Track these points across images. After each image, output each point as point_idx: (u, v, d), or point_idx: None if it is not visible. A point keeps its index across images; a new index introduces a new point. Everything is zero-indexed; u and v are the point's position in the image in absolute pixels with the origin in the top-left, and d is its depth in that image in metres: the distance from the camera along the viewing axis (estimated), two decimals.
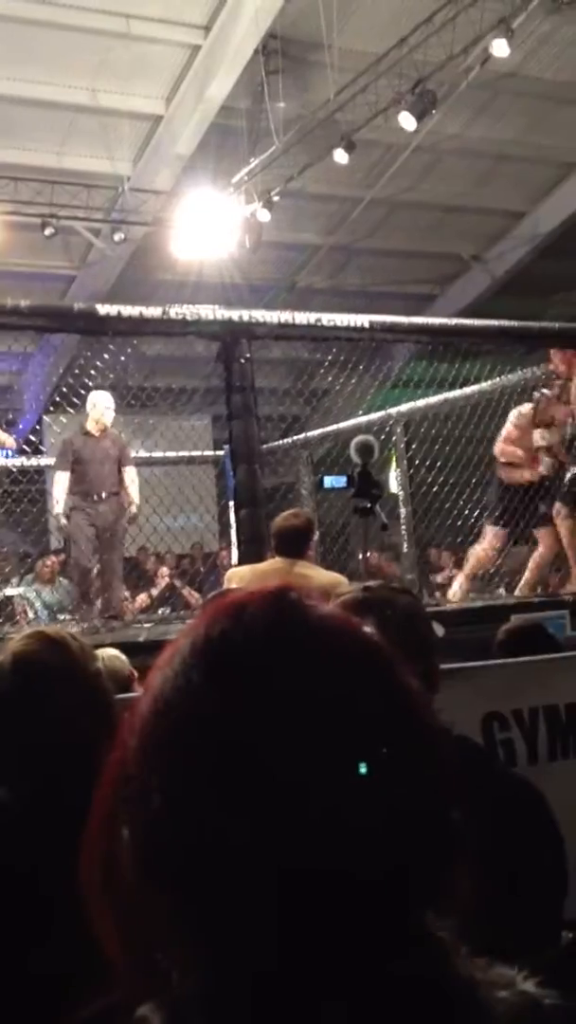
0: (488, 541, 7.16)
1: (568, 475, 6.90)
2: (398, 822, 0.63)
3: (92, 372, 7.14)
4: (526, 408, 7.10)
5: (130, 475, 7.22)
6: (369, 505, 4.40)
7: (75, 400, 7.36)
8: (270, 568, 4.62)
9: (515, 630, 3.83)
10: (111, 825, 0.66)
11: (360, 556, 5.65)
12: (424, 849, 0.64)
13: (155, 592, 9.29)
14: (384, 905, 0.62)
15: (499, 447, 7.08)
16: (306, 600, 0.70)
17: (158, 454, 8.48)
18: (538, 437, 6.96)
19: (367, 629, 0.71)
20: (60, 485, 7.09)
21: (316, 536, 8.74)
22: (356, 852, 0.61)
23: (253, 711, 0.62)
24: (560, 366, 7.01)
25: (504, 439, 7.07)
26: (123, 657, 3.48)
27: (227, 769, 0.61)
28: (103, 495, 7.07)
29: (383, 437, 7.90)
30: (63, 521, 7.11)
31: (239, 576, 4.59)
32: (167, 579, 9.33)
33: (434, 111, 10.70)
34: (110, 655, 3.60)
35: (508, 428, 7.08)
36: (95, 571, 7.25)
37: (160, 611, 8.91)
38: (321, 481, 4.56)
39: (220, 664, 0.66)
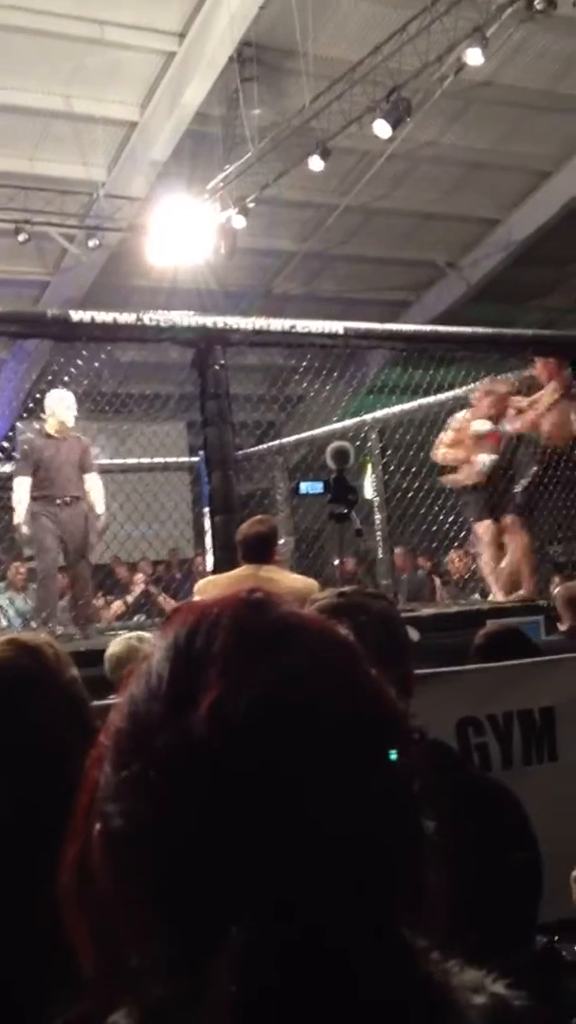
0: (489, 538, 7.10)
1: (518, 486, 6.93)
2: (370, 825, 0.63)
3: (66, 378, 7.11)
4: (461, 415, 7.13)
5: (92, 481, 6.92)
6: (346, 511, 4.41)
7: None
8: (239, 575, 4.63)
9: (493, 634, 3.85)
10: (89, 830, 0.66)
11: (336, 561, 5.67)
12: (397, 853, 0.64)
13: (130, 599, 9.26)
14: (357, 909, 0.61)
15: (439, 453, 7.12)
16: (273, 600, 0.71)
17: (132, 460, 8.46)
18: (483, 458, 6.96)
19: (335, 626, 0.71)
20: (21, 490, 6.77)
21: (291, 543, 8.78)
22: (329, 855, 0.61)
23: (220, 713, 0.62)
24: (542, 373, 7.03)
25: (444, 443, 7.10)
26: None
27: (197, 773, 0.61)
28: (67, 499, 6.80)
29: (358, 443, 7.92)
30: (24, 530, 6.78)
31: (209, 586, 4.59)
32: (142, 586, 9.30)
33: (409, 119, 10.75)
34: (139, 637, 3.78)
35: (448, 434, 7.11)
36: (60, 578, 7.07)
37: (135, 618, 8.89)
38: (297, 487, 4.57)
39: (187, 666, 0.66)
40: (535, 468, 6.96)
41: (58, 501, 6.76)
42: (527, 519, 6.94)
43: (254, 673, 0.63)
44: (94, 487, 6.92)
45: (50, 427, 6.85)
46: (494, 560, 7.05)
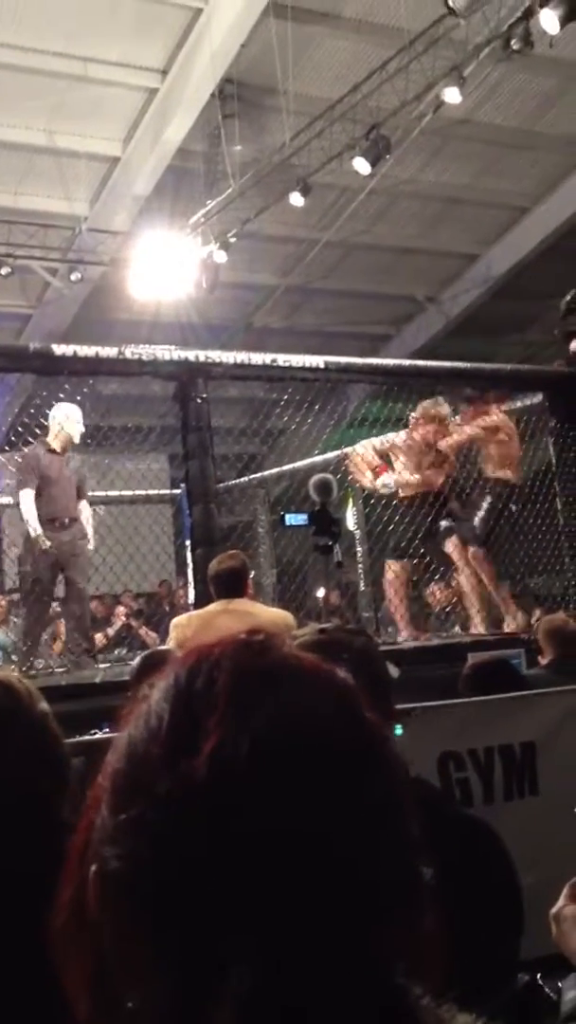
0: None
1: (478, 516, 6.94)
2: (374, 869, 0.62)
3: (47, 411, 7.11)
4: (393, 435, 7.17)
5: (85, 507, 6.69)
6: (330, 542, 4.43)
7: (30, 440, 7.32)
8: (213, 611, 4.63)
9: (482, 666, 3.84)
10: (84, 871, 0.65)
11: (320, 594, 5.67)
12: (399, 899, 0.64)
13: (111, 632, 9.21)
14: (359, 955, 0.61)
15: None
16: (274, 642, 0.71)
17: (114, 492, 8.45)
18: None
19: (333, 668, 0.71)
20: (29, 502, 6.31)
21: (273, 575, 8.77)
22: (332, 902, 0.61)
23: (222, 758, 0.61)
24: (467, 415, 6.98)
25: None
26: None
27: (198, 817, 0.61)
28: (66, 521, 6.49)
29: (339, 476, 7.95)
30: (45, 544, 6.26)
31: (182, 624, 4.58)
32: (123, 619, 9.26)
33: (388, 156, 10.88)
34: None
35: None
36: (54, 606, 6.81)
37: (116, 651, 8.84)
38: (283, 519, 4.58)
39: (187, 708, 0.65)
40: (489, 500, 6.98)
41: (58, 523, 6.44)
42: (489, 550, 6.97)
43: (255, 717, 0.63)
44: (87, 514, 6.71)
45: (56, 442, 6.52)
46: (473, 582, 7.09)
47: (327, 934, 0.60)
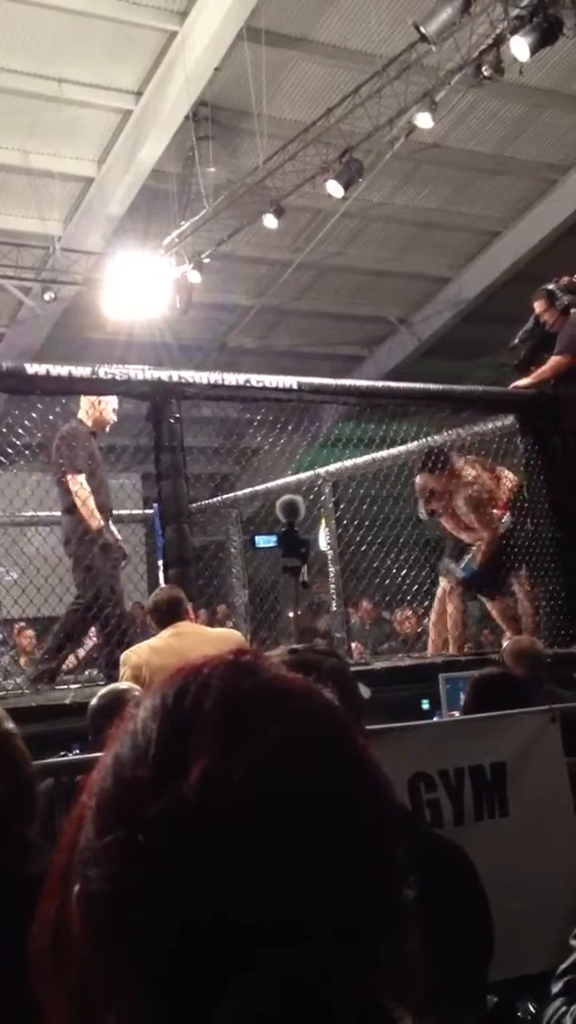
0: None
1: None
2: (363, 895, 0.62)
3: (20, 431, 7.08)
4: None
5: None
6: (299, 563, 4.44)
7: (2, 459, 7.27)
8: (163, 636, 4.64)
9: (487, 680, 3.83)
10: (67, 891, 0.64)
11: (290, 614, 5.67)
12: (385, 923, 0.64)
13: (82, 652, 9.13)
14: (348, 981, 0.61)
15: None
16: (261, 663, 0.70)
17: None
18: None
19: (322, 690, 0.70)
20: (87, 492, 5.58)
21: (245, 596, 8.76)
22: (322, 926, 0.60)
23: (212, 781, 0.61)
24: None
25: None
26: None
27: (187, 841, 0.60)
28: (110, 516, 5.82)
29: (312, 496, 7.96)
30: (109, 537, 5.58)
31: (136, 654, 4.58)
32: (94, 639, 9.19)
33: (361, 179, 10.98)
34: None
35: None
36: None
37: (87, 672, 8.77)
38: (252, 540, 4.59)
39: (176, 729, 0.64)
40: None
41: (111, 516, 5.83)
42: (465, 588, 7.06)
43: (245, 742, 0.62)
44: None
45: (94, 422, 5.93)
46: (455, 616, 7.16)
47: (316, 963, 0.59)
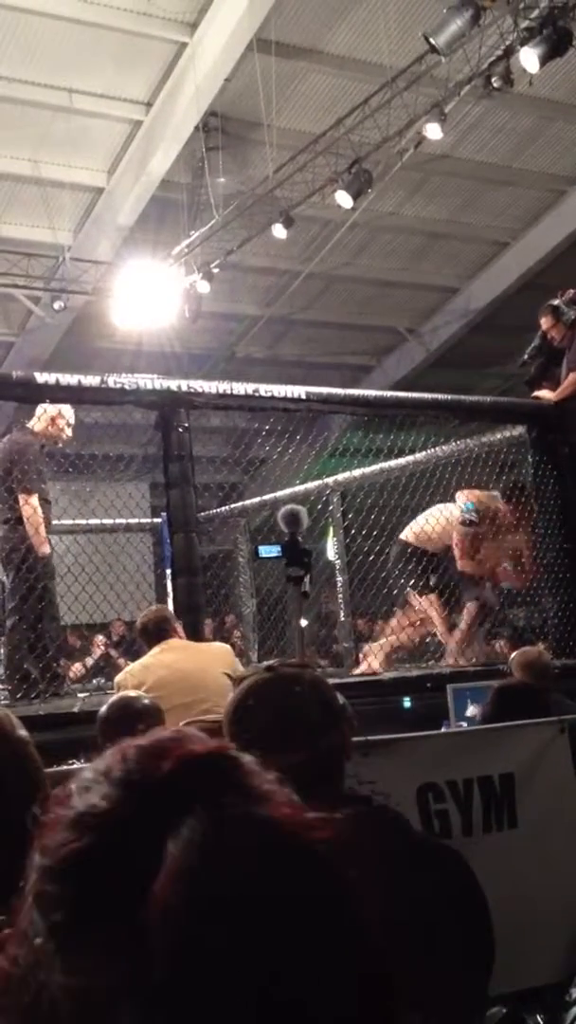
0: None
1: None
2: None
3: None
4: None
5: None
6: (303, 573, 4.44)
7: None
8: (153, 653, 4.65)
9: (507, 690, 3.81)
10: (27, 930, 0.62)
11: (303, 622, 5.67)
12: None
13: (90, 661, 9.17)
14: None
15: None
16: (241, 767, 0.67)
17: (95, 521, 8.43)
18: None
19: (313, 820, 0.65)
20: (41, 515, 5.60)
21: (253, 605, 8.75)
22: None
23: (171, 911, 0.57)
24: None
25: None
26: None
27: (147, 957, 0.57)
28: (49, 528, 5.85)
29: (320, 506, 7.96)
30: (45, 550, 5.61)
31: (131, 675, 4.60)
32: (102, 648, 9.22)
33: (370, 190, 11.00)
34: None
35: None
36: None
37: (95, 680, 8.79)
38: (257, 550, 4.59)
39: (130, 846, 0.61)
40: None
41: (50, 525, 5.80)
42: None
43: (208, 880, 0.58)
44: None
45: (45, 435, 5.87)
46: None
47: None
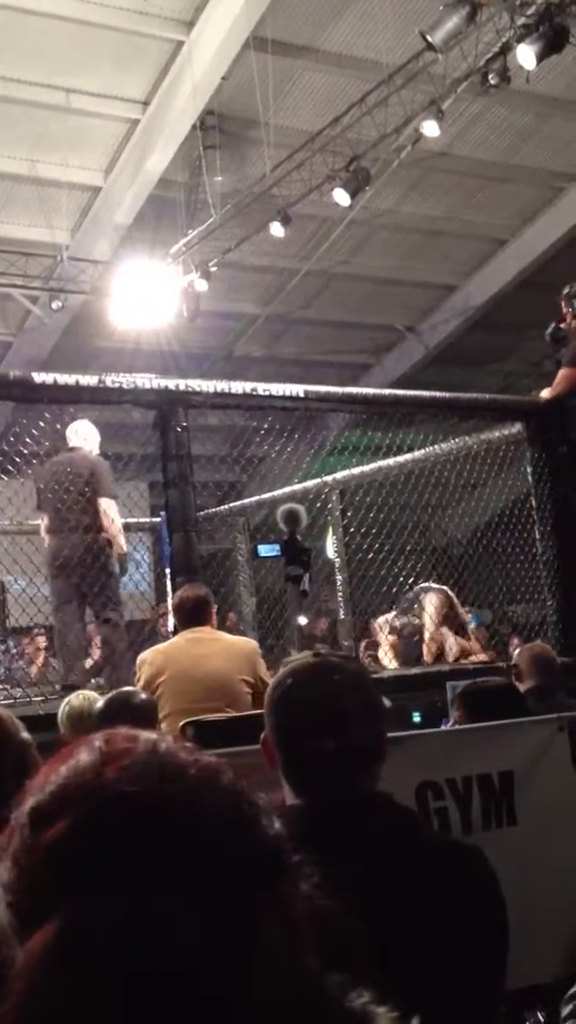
0: None
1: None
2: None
3: (28, 440, 7.09)
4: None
5: None
6: (302, 571, 4.43)
7: (9, 468, 7.27)
8: (178, 641, 4.64)
9: (483, 690, 3.81)
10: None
11: (302, 621, 5.67)
12: None
13: (89, 662, 9.13)
14: None
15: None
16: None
17: None
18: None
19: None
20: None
21: (253, 604, 8.76)
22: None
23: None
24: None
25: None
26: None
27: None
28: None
29: (319, 504, 7.96)
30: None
31: (147, 660, 4.58)
32: (96, 649, 9.20)
33: (367, 187, 11.00)
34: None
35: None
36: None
37: (94, 680, 8.77)
38: (256, 549, 4.58)
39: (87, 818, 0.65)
40: None
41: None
42: None
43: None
44: None
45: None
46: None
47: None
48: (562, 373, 6.97)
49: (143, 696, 3.95)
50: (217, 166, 11.94)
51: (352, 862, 1.58)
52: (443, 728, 4.59)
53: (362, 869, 1.45)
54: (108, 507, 6.21)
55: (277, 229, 11.55)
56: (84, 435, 6.51)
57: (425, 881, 1.62)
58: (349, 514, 8.10)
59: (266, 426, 7.00)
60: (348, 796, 1.69)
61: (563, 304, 7.19)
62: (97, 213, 12.58)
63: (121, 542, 6.29)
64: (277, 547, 4.32)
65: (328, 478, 8.36)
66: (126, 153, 11.95)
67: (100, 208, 12.52)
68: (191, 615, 4.64)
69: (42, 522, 6.42)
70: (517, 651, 5.58)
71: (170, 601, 5.80)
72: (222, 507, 9.28)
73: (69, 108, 11.13)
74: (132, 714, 3.55)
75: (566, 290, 7.19)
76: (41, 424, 6.13)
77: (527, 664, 4.94)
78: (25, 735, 1.87)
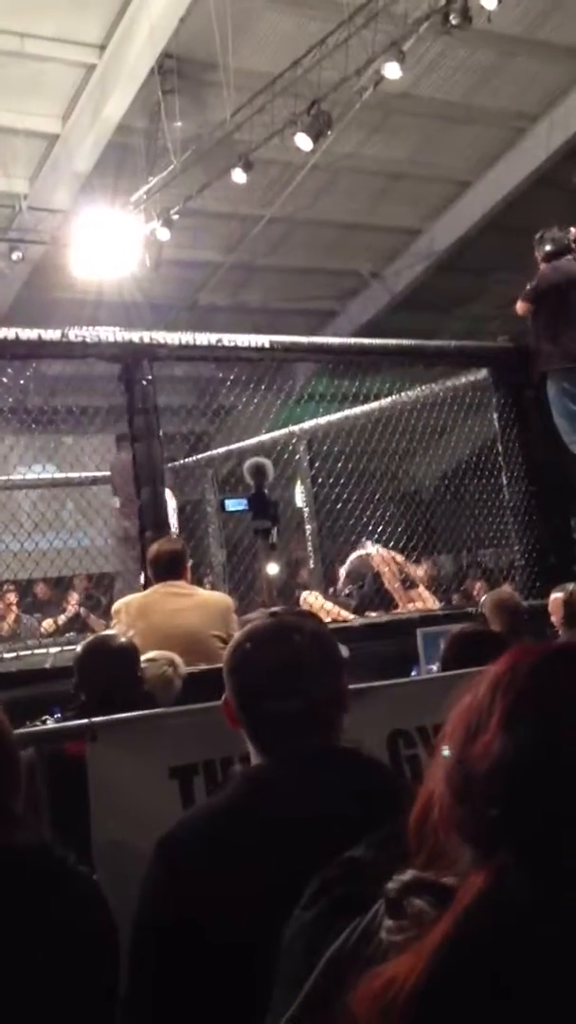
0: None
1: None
2: None
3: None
4: None
5: None
6: (269, 525, 4.44)
7: None
8: (153, 593, 4.65)
9: (466, 635, 3.84)
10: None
11: (265, 575, 5.69)
12: None
13: (63, 618, 9.15)
14: None
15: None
16: None
17: (60, 475, 8.39)
18: None
19: None
20: None
21: (223, 555, 8.77)
22: None
23: None
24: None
25: None
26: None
27: None
28: None
29: (287, 455, 7.96)
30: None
31: (126, 608, 4.59)
32: (74, 606, 9.21)
33: (330, 131, 10.85)
34: None
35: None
36: None
37: (67, 635, 8.78)
38: (223, 504, 4.58)
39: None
40: None
41: None
42: None
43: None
44: None
45: None
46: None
47: None
48: (517, 304, 6.95)
49: (122, 639, 3.92)
50: (177, 111, 11.73)
51: (320, 814, 1.61)
52: (413, 676, 4.66)
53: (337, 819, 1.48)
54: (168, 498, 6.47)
55: (239, 175, 11.39)
56: None
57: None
58: (317, 464, 8.11)
59: (232, 376, 6.97)
60: (314, 752, 1.72)
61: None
62: (56, 161, 12.34)
63: (172, 522, 6.56)
64: (244, 501, 4.32)
65: (295, 428, 8.35)
66: (83, 99, 11.69)
67: (59, 156, 12.28)
68: (166, 568, 4.67)
69: (116, 504, 7.11)
70: (483, 597, 5.65)
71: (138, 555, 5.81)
72: (189, 459, 9.25)
73: (23, 53, 10.85)
74: (115, 658, 3.52)
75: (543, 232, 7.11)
76: (4, 380, 6.06)
77: (491, 610, 5.01)
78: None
